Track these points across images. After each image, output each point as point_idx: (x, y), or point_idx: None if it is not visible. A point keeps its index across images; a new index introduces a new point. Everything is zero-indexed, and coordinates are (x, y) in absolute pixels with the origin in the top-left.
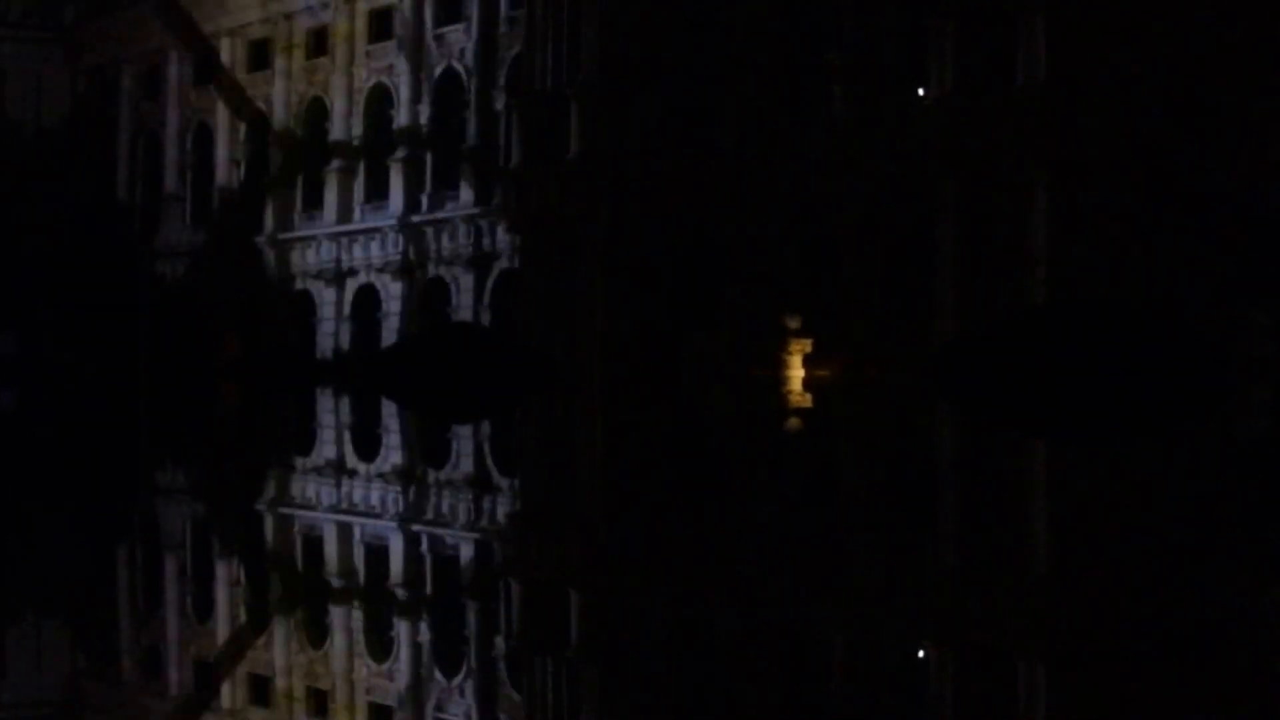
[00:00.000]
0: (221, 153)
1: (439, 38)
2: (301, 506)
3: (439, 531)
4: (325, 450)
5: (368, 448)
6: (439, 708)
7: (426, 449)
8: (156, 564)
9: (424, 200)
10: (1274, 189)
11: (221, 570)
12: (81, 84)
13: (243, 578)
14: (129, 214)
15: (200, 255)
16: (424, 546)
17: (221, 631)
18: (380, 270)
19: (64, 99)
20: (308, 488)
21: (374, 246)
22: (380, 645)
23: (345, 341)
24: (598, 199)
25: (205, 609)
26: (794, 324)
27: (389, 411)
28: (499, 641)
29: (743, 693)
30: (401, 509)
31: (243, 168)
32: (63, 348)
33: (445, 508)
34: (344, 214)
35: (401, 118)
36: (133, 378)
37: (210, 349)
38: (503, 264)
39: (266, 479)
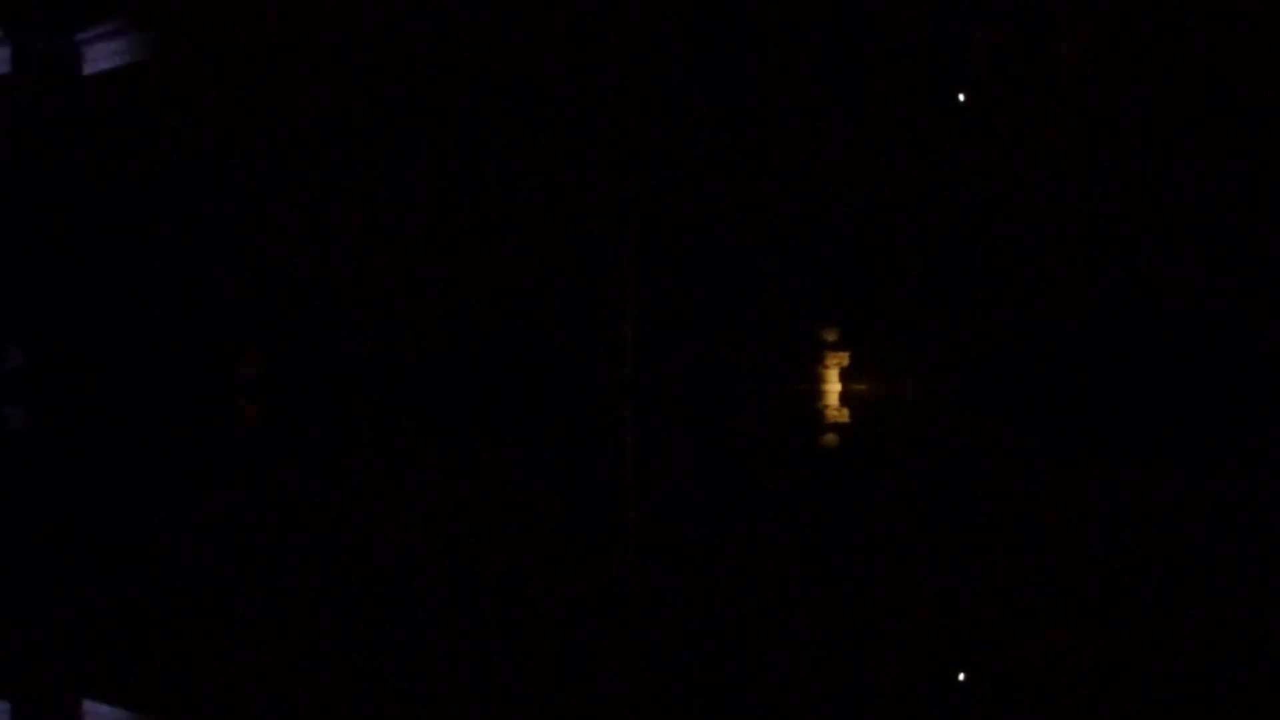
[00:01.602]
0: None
1: None
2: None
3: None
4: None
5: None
6: None
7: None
8: (164, 583)
9: None
10: None
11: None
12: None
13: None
14: (141, 226)
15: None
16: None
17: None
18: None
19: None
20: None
21: None
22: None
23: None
24: (627, 210)
25: (213, 631)
26: (830, 336)
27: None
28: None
29: (778, 713)
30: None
31: None
32: (74, 364)
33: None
34: None
35: None
36: (144, 393)
37: (227, 365)
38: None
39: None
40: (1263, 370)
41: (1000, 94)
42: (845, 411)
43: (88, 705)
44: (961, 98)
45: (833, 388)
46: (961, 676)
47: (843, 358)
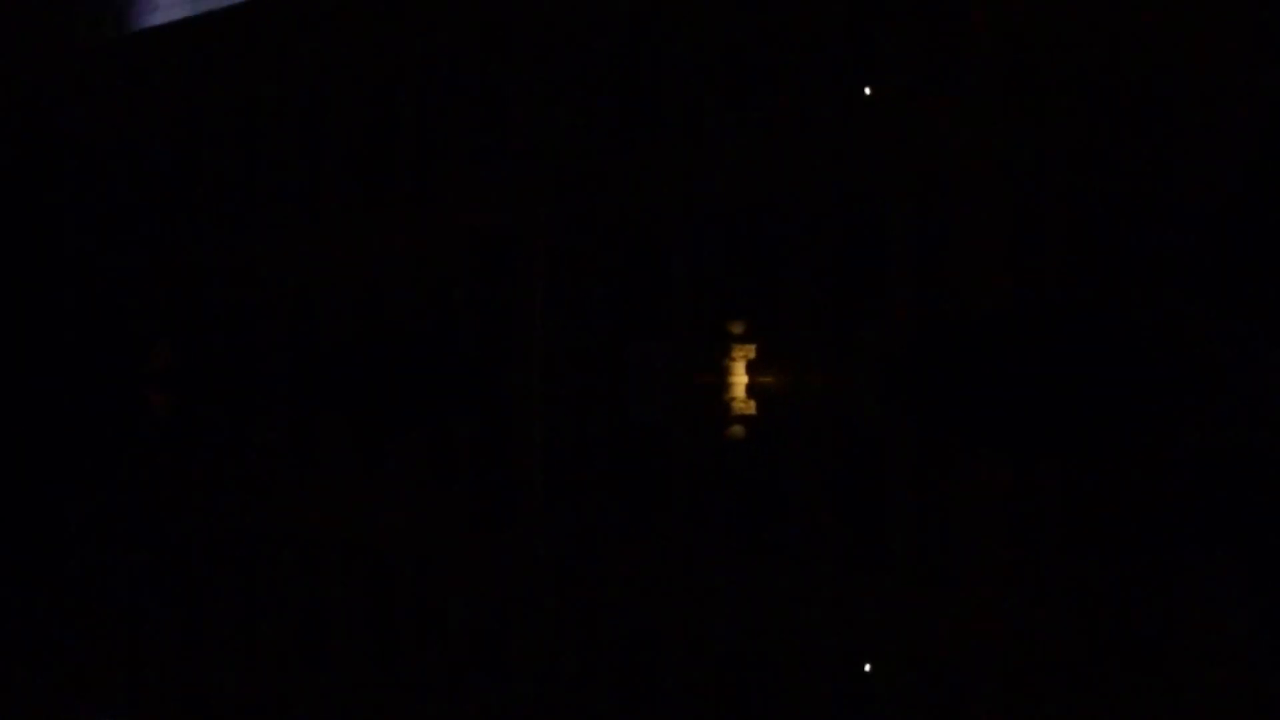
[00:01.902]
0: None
1: None
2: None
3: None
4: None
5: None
6: None
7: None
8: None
9: None
10: (1237, 192)
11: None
12: None
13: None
14: (50, 215)
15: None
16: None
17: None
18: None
19: None
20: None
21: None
22: None
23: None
24: (536, 203)
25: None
26: (737, 329)
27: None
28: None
29: (687, 704)
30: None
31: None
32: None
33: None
34: None
35: None
36: (55, 385)
37: (139, 357)
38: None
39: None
40: (1168, 362)
41: (907, 87)
42: (752, 403)
43: None
44: (868, 91)
45: (739, 380)
46: (868, 667)
47: (749, 350)
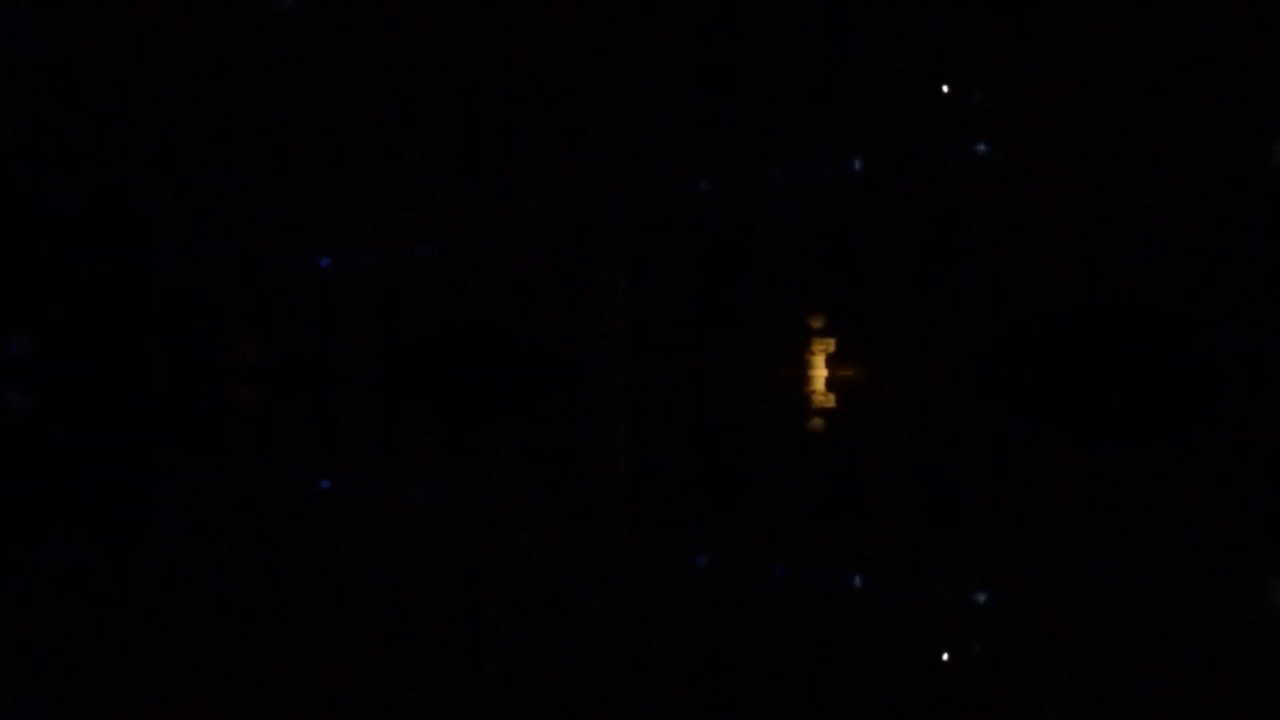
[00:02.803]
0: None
1: None
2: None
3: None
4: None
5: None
6: None
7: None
8: (170, 566)
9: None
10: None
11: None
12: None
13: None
14: (142, 212)
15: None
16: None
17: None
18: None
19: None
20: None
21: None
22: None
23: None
24: (619, 198)
25: (222, 609)
26: (817, 324)
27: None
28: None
29: (762, 695)
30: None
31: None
32: (77, 350)
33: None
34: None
35: None
36: (147, 381)
37: (226, 352)
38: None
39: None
40: (1238, 358)
41: (986, 85)
42: (832, 397)
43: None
44: (945, 89)
45: (819, 373)
46: (945, 657)
47: (829, 344)
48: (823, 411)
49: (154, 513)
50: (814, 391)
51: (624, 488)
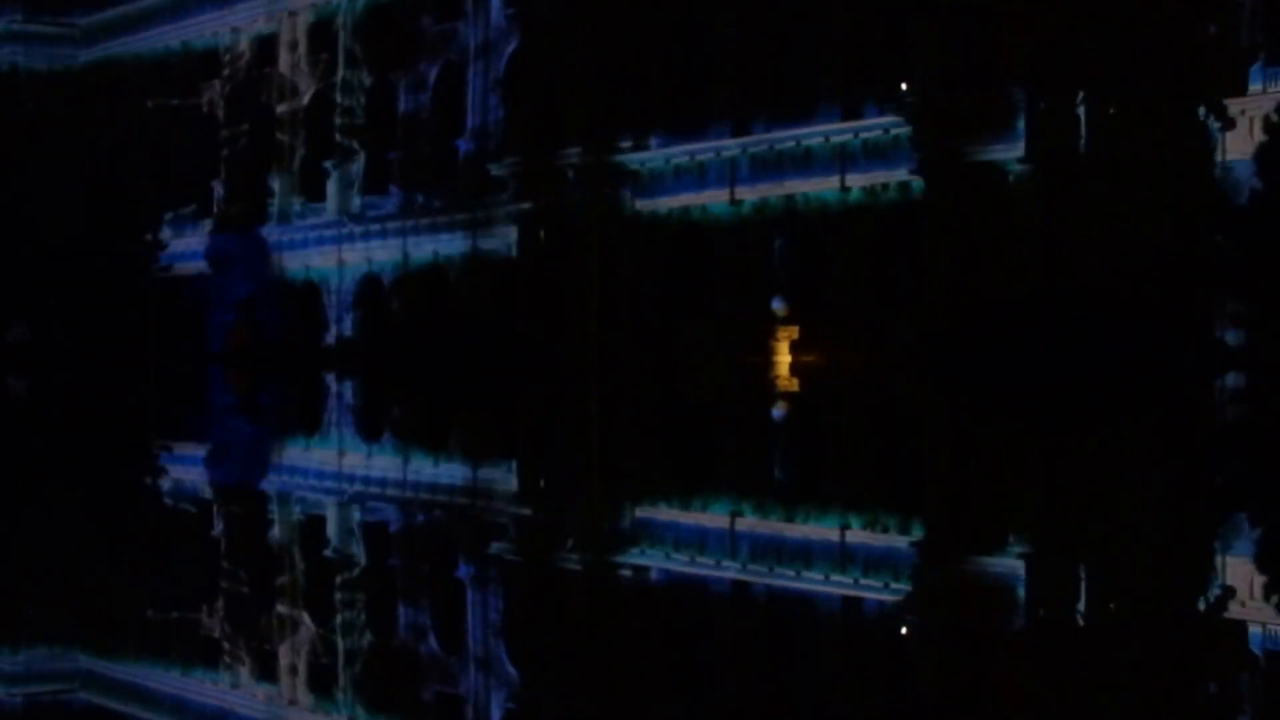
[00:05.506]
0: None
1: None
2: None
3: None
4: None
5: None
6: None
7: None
8: (165, 543)
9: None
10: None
11: (227, 545)
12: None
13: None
14: (137, 204)
15: (207, 246)
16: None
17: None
18: (382, 261)
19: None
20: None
21: (375, 237)
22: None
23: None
24: (594, 192)
25: (212, 586)
26: (782, 312)
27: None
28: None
29: (730, 676)
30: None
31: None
32: (73, 336)
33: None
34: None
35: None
36: (142, 366)
37: (217, 337)
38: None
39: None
40: (1181, 341)
41: (942, 83)
42: (795, 381)
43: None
44: (904, 86)
45: (784, 359)
46: (904, 630)
47: (793, 331)
48: (787, 395)
49: (146, 490)
50: (779, 376)
51: (597, 467)
